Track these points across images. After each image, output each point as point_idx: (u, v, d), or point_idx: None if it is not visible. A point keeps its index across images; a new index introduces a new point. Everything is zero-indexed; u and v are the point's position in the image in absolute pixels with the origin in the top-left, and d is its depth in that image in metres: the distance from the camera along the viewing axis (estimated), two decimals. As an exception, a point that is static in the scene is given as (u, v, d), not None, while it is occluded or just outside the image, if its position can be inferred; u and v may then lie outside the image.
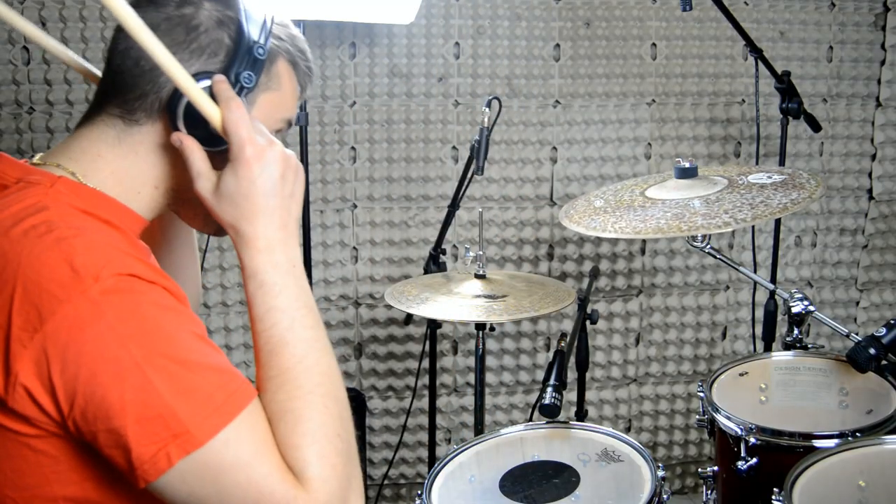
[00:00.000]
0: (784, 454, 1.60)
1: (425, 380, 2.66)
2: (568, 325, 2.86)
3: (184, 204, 1.07)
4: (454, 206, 2.38)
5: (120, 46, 1.00)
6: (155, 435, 0.83)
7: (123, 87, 0.99)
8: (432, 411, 2.57)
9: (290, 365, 0.94)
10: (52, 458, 0.88)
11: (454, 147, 2.75)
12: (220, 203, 0.97)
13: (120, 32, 1.00)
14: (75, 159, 1.00)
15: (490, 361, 2.88)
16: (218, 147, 0.99)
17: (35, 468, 0.89)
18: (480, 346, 2.19)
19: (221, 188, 0.97)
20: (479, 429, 2.24)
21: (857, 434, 1.58)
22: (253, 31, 0.99)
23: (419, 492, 1.56)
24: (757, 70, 2.45)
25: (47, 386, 0.83)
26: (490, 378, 2.89)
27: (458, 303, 2.04)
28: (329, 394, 0.95)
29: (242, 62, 0.98)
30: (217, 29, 0.99)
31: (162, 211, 1.07)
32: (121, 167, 1.00)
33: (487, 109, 2.09)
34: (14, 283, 0.85)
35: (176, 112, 0.98)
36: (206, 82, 0.97)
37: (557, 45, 2.75)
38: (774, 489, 1.41)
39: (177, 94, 0.97)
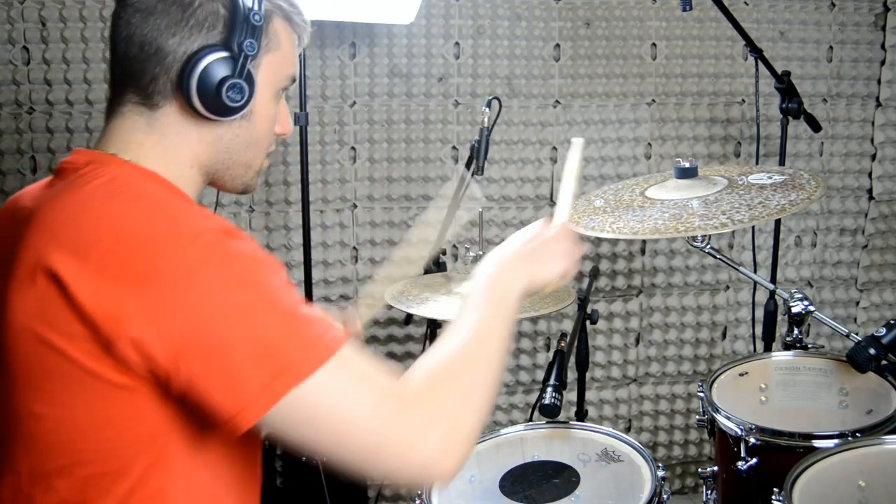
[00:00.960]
0: (784, 454, 1.59)
1: (425, 380, 2.65)
2: (568, 325, 2.86)
3: (213, 175, 1.10)
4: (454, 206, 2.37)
5: (122, 34, 1.01)
6: (262, 370, 0.87)
7: (134, 74, 1.02)
8: (432, 411, 2.56)
9: (471, 351, 1.03)
10: (136, 409, 0.91)
11: (454, 147, 2.75)
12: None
13: (118, 20, 1.02)
14: (123, 150, 1.03)
15: (490, 361, 2.87)
16: (229, 117, 1.03)
17: (117, 422, 0.91)
18: (480, 346, 2.18)
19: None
20: (479, 429, 2.24)
21: (857, 434, 1.57)
22: None
23: (419, 492, 1.56)
24: (757, 70, 2.45)
25: (155, 334, 0.86)
26: (490, 378, 2.88)
27: (458, 303, 2.04)
28: (492, 384, 1.02)
29: (242, 31, 1.00)
30: (211, 1, 1.01)
31: (200, 190, 1.11)
32: (159, 152, 1.04)
33: (487, 109, 2.09)
34: (122, 242, 0.88)
35: (189, 88, 1.00)
36: (214, 55, 0.99)
37: (557, 45, 2.75)
38: (774, 489, 1.40)
39: (185, 72, 0.99)
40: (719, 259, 1.94)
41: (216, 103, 1.00)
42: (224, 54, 0.99)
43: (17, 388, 0.94)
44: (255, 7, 1.01)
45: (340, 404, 0.90)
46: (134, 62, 1.01)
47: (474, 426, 0.97)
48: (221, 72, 0.99)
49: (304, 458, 2.43)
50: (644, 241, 2.90)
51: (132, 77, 1.02)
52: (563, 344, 1.80)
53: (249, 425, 0.87)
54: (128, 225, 0.90)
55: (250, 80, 1.01)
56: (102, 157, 1.02)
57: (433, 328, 2.49)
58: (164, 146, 1.04)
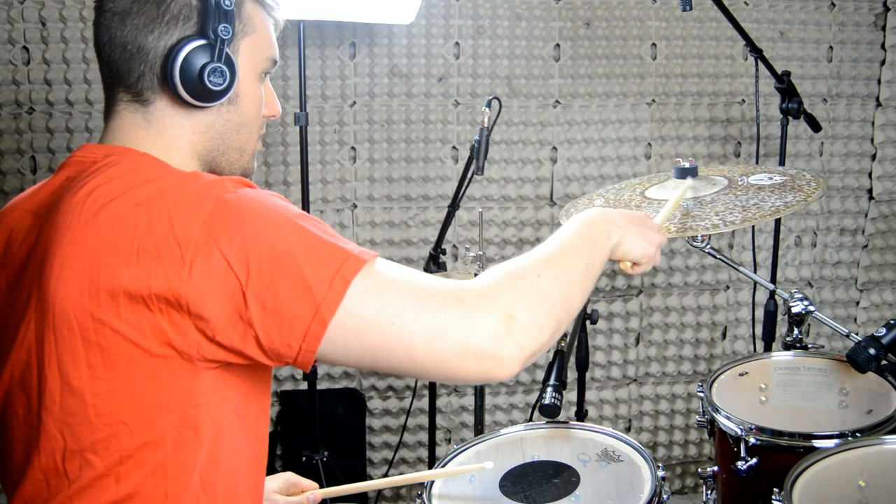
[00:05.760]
0: (784, 454, 1.59)
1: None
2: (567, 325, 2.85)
3: (211, 163, 1.13)
4: (454, 206, 2.38)
5: (104, 38, 1.05)
6: (327, 261, 0.92)
7: (122, 75, 1.06)
8: (432, 411, 2.57)
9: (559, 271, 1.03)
10: (170, 377, 0.94)
11: (454, 147, 2.75)
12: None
13: (99, 26, 1.06)
14: (131, 144, 1.06)
15: (490, 361, 2.87)
16: (214, 102, 1.06)
17: (152, 392, 0.94)
18: (480, 346, 2.18)
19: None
20: (479, 429, 2.24)
21: (857, 434, 1.57)
22: None
23: (419, 492, 1.56)
24: (757, 70, 2.45)
25: (223, 264, 0.90)
26: (490, 378, 2.88)
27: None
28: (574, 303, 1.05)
29: (215, 18, 1.03)
30: None
31: None
32: (161, 145, 1.07)
33: (487, 109, 2.09)
34: (167, 216, 0.93)
35: (174, 79, 1.03)
36: (192, 44, 1.03)
37: (557, 45, 2.75)
38: (774, 489, 1.40)
39: (168, 64, 1.03)
40: (719, 259, 1.94)
41: (200, 89, 1.04)
42: (201, 42, 1.03)
43: (56, 365, 0.95)
44: None
45: (390, 300, 0.93)
46: (119, 63, 1.05)
47: (533, 323, 0.95)
48: (201, 59, 1.03)
49: (303, 458, 2.43)
50: (644, 241, 2.89)
51: (120, 78, 1.06)
52: (563, 344, 1.80)
53: (331, 318, 0.91)
54: (165, 204, 0.94)
55: (230, 64, 1.05)
56: (120, 149, 1.05)
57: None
58: (165, 139, 1.07)
